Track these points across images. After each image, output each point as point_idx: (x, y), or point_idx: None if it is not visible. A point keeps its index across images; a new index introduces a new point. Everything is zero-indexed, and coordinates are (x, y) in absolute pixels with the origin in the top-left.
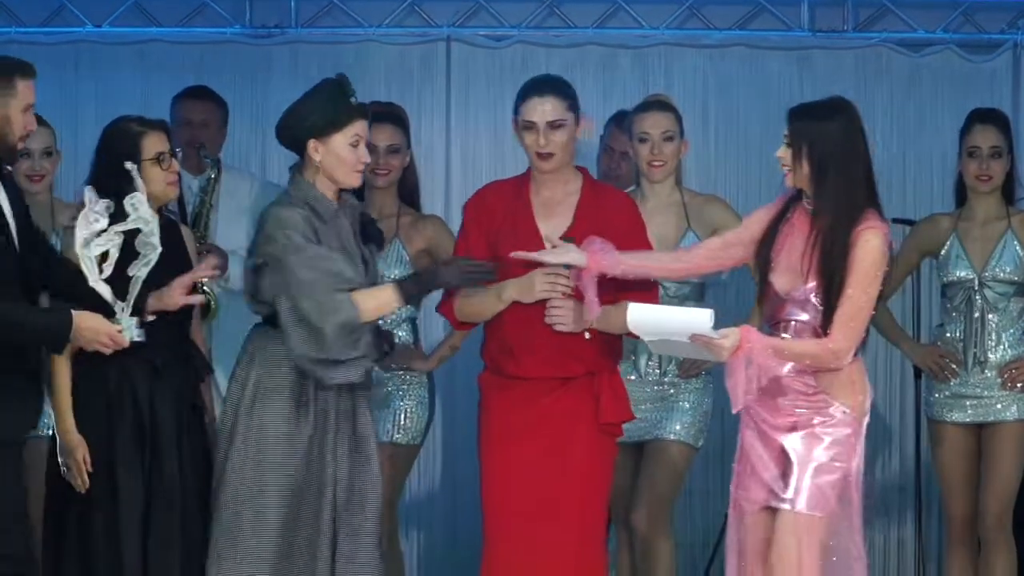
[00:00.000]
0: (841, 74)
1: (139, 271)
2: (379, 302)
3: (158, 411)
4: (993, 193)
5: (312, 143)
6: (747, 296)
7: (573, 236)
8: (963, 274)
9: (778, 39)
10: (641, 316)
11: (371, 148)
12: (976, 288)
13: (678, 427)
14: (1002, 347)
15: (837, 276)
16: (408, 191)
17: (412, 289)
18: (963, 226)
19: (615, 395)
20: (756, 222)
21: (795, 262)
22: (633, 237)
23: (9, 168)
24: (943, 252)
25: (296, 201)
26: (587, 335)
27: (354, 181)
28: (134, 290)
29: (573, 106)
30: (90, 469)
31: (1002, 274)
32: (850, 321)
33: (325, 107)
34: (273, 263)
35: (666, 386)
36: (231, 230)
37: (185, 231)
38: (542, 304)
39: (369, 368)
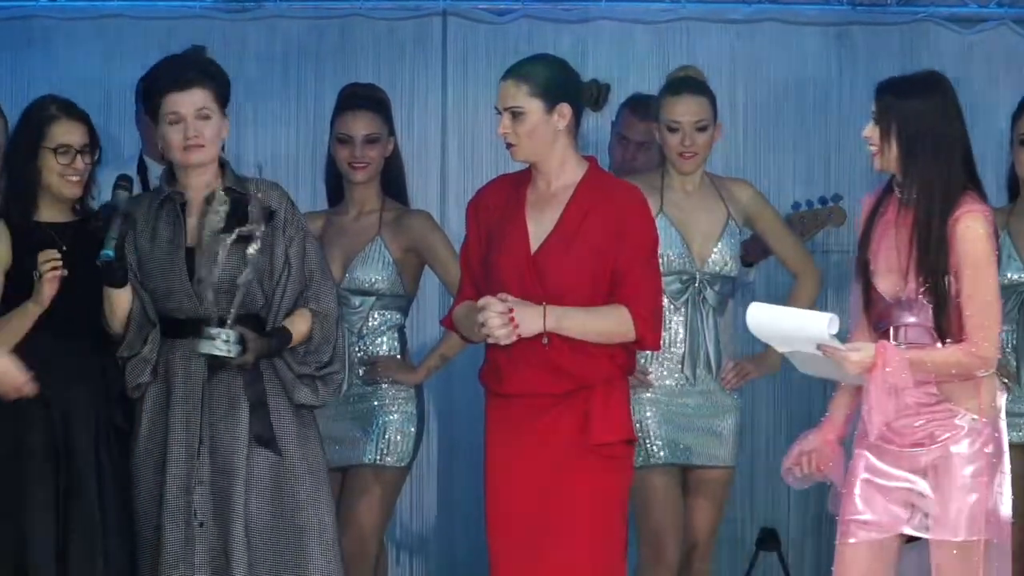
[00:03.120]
0: (884, 53)
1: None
2: (105, 298)
3: (72, 428)
4: None
5: (157, 130)
6: (775, 297)
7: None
8: (1016, 276)
9: (814, 14)
10: (759, 317)
11: (347, 139)
12: None
13: (721, 451)
14: None
15: (942, 271)
16: (392, 183)
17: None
18: (1015, 223)
19: (609, 413)
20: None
21: (895, 261)
22: (630, 237)
23: None
24: None
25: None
26: (545, 340)
27: (187, 159)
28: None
29: (541, 92)
30: None
31: None
32: (984, 320)
33: (150, 82)
34: None
35: (702, 403)
36: None
37: None
38: None
39: (142, 359)
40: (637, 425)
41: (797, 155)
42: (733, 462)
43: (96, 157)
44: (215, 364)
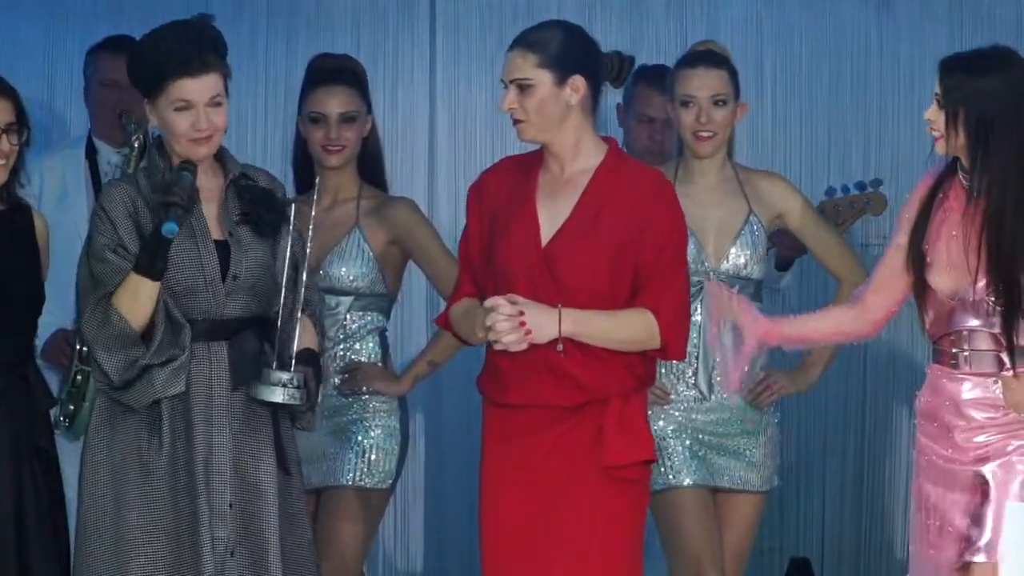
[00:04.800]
0: (929, 21)
1: None
2: (128, 293)
3: None
4: None
5: (146, 105)
6: (807, 296)
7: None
8: None
9: None
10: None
11: (321, 118)
12: None
13: (750, 475)
14: None
15: (1015, 270)
16: (369, 167)
17: (143, 257)
18: None
19: (625, 430)
20: (908, 220)
21: (957, 255)
22: (654, 230)
23: None
24: None
25: (131, 177)
26: (560, 347)
27: (193, 152)
28: None
29: (551, 63)
30: None
31: None
32: None
33: (153, 59)
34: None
35: (723, 419)
36: None
37: (39, 219)
38: None
39: (180, 366)
40: (656, 443)
41: (832, 136)
42: (765, 487)
43: (25, 138)
44: (281, 410)
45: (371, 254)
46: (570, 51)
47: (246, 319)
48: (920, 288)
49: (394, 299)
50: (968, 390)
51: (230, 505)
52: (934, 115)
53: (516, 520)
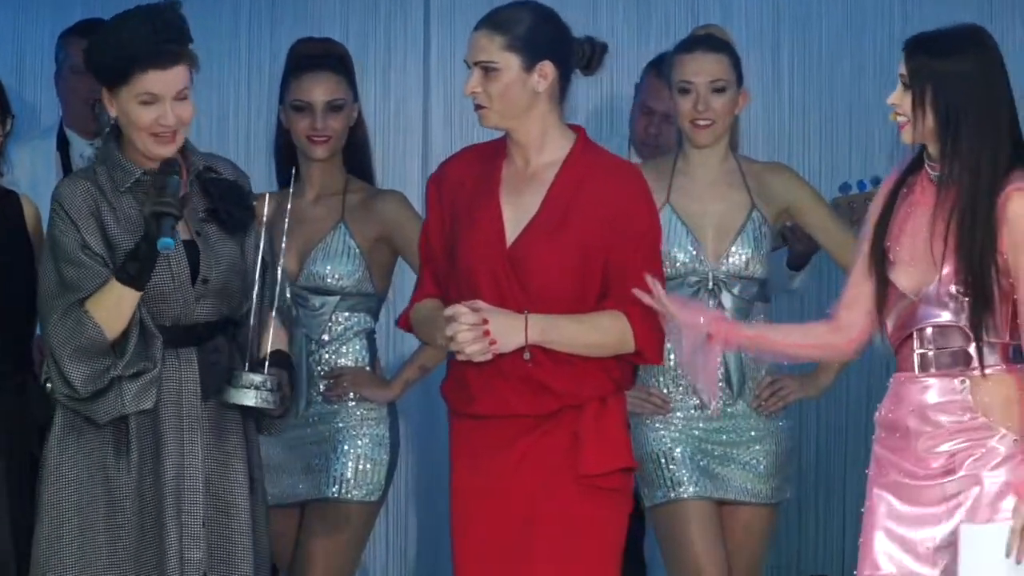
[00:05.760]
0: (958, 6)
1: None
2: (110, 302)
3: None
4: None
5: (105, 93)
6: (826, 298)
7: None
8: None
9: None
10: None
11: (305, 106)
12: None
13: (758, 485)
14: None
15: (986, 259)
16: (357, 159)
17: (131, 267)
18: None
19: (603, 436)
20: (871, 222)
21: (922, 249)
22: (626, 227)
23: None
24: None
25: (87, 169)
26: (527, 355)
27: (154, 149)
28: None
29: (519, 46)
30: None
31: None
32: None
33: (118, 47)
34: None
35: (727, 427)
36: None
37: (28, 206)
38: None
39: (151, 380)
40: (656, 454)
41: (854, 128)
42: (775, 498)
43: (8, 127)
44: (250, 413)
45: (357, 251)
46: (540, 35)
47: (214, 323)
48: (882, 288)
49: (383, 299)
50: (934, 395)
51: (203, 524)
52: (899, 98)
53: (490, 537)
